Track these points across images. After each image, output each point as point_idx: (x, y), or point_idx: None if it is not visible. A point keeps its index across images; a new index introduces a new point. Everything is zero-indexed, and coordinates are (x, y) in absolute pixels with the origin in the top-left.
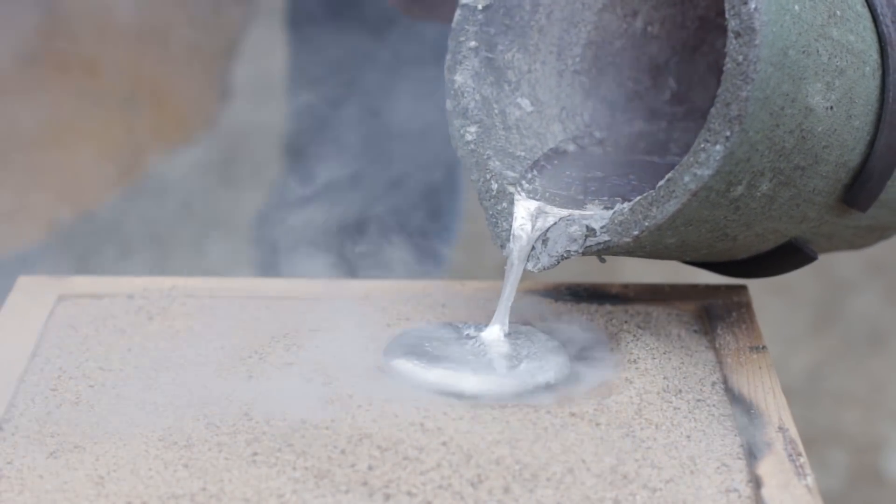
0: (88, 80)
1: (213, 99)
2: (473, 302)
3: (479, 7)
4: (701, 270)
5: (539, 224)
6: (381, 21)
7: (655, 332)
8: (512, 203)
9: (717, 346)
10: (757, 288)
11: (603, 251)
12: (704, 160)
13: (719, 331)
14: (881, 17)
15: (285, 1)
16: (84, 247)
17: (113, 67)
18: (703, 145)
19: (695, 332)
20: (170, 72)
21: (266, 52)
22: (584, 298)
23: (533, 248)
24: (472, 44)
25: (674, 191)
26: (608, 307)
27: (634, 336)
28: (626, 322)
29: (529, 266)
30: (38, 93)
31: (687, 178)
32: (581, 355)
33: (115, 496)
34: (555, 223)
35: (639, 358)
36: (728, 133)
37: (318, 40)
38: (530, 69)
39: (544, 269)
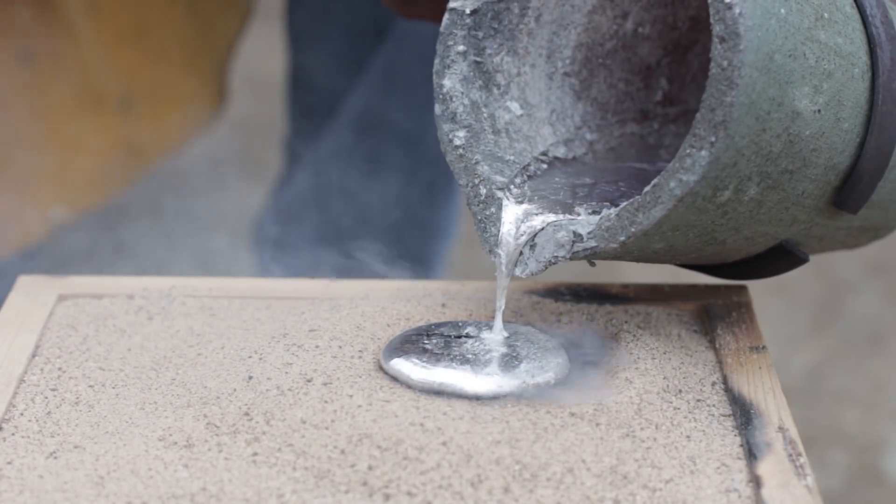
0: (87, 80)
1: (212, 99)
2: (473, 302)
3: (468, 11)
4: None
5: (527, 229)
6: (378, 20)
7: (655, 332)
8: (500, 208)
9: (717, 346)
10: (757, 288)
11: (590, 256)
12: (690, 166)
13: (719, 331)
14: (870, 19)
15: (284, 1)
16: (84, 247)
17: (112, 68)
18: (688, 151)
19: (695, 332)
20: (168, 72)
21: (265, 51)
22: (584, 298)
23: (521, 253)
24: (461, 48)
25: (660, 196)
26: (608, 307)
27: (634, 336)
28: (626, 322)
29: (518, 271)
30: (38, 93)
31: (673, 184)
32: (581, 356)
33: (115, 496)
34: (542, 228)
35: (639, 358)
36: (713, 138)
37: (317, 40)
38: (519, 72)
39: (532, 274)
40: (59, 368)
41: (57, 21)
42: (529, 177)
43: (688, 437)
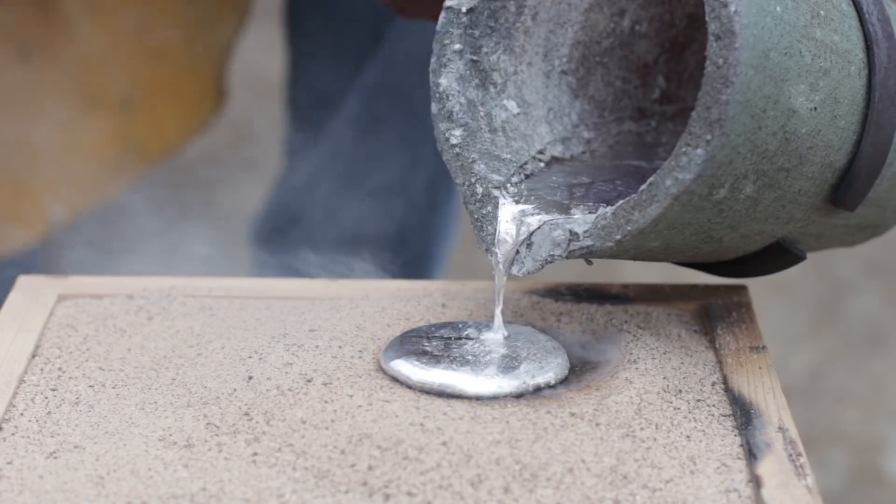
0: (87, 79)
1: (212, 99)
2: (473, 302)
3: (464, 10)
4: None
5: (524, 228)
6: (377, 20)
7: (655, 332)
8: (497, 207)
9: (717, 346)
10: (757, 288)
11: (586, 255)
12: (686, 164)
13: (719, 331)
14: (867, 16)
15: (282, 1)
16: (83, 247)
17: (112, 67)
18: (684, 149)
19: (695, 332)
20: (168, 72)
21: (264, 51)
22: (584, 298)
23: (518, 252)
24: (457, 46)
25: (655, 195)
26: (608, 307)
27: (634, 336)
28: (626, 322)
29: (514, 270)
30: (37, 92)
31: (668, 182)
32: (581, 356)
33: (115, 496)
34: (539, 227)
35: (639, 358)
36: (709, 137)
37: (315, 40)
38: (516, 71)
39: (529, 273)
40: (59, 368)
41: (57, 20)
42: (526, 175)
43: (688, 437)
